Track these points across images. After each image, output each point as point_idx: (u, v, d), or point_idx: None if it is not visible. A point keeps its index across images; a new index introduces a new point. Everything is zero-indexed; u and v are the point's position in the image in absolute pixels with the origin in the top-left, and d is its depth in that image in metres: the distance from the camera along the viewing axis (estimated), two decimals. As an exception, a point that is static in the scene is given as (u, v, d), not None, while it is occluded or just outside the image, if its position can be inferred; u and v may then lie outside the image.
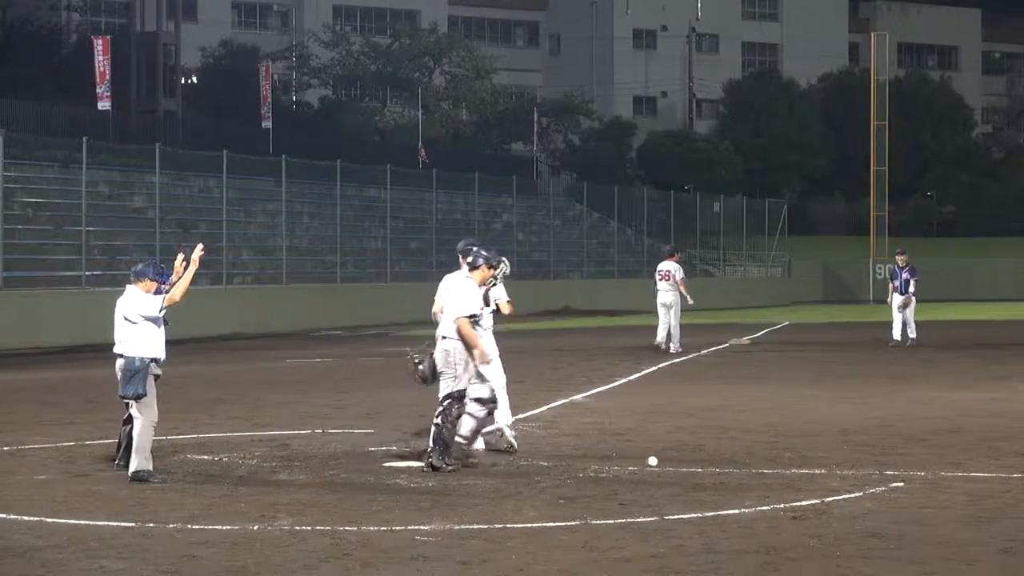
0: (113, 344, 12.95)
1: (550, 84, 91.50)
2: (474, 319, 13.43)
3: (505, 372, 14.57)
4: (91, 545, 9.95)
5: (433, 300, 14.00)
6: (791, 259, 68.11)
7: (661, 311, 28.74)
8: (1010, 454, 14.06)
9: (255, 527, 10.53)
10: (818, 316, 48.97)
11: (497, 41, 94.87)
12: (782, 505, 11.28)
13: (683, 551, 9.66)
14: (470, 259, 13.75)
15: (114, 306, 13.02)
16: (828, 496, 11.64)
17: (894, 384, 21.82)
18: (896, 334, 30.61)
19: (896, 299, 30.77)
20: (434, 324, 13.84)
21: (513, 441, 14.19)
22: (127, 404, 12.84)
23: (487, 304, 14.14)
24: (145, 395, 12.69)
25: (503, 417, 14.33)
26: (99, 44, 49.80)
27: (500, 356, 14.36)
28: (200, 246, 13.19)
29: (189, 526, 10.57)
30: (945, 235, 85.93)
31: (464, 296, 13.40)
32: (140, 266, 13.22)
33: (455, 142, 75.82)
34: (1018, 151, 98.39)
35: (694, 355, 28.00)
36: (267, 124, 55.75)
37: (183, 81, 65.86)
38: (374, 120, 76.10)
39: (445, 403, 13.20)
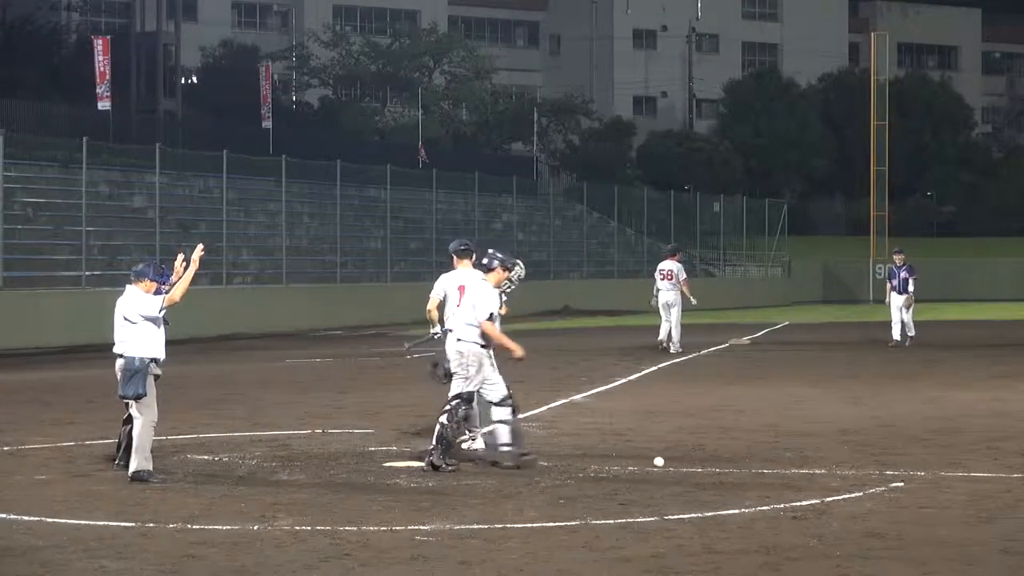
0: (113, 344, 12.96)
1: (550, 84, 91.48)
2: (490, 319, 13.50)
3: (504, 372, 14.56)
4: (91, 545, 9.95)
5: (428, 298, 14.07)
6: (791, 259, 68.05)
7: (662, 311, 28.69)
8: (1010, 454, 14.07)
9: (255, 527, 10.53)
10: (818, 316, 48.95)
11: (497, 41, 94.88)
12: (782, 505, 11.29)
13: (683, 551, 9.66)
14: (485, 261, 13.81)
15: (114, 306, 13.02)
16: (828, 496, 11.65)
17: (894, 384, 21.82)
18: (896, 334, 30.54)
19: (896, 299, 30.68)
20: (428, 321, 13.89)
21: (477, 447, 13.95)
22: (127, 404, 12.85)
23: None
24: (145, 395, 12.69)
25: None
26: (99, 44, 49.75)
27: (500, 356, 14.36)
28: (200, 246, 13.20)
29: (189, 526, 10.57)
30: (945, 235, 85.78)
31: (484, 300, 13.47)
32: (140, 266, 13.22)
33: (455, 142, 75.80)
34: (1018, 151, 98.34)
35: (694, 355, 27.98)
36: (267, 124, 55.70)
37: (183, 81, 65.93)
38: (374, 120, 76.11)
39: (453, 403, 13.20)
